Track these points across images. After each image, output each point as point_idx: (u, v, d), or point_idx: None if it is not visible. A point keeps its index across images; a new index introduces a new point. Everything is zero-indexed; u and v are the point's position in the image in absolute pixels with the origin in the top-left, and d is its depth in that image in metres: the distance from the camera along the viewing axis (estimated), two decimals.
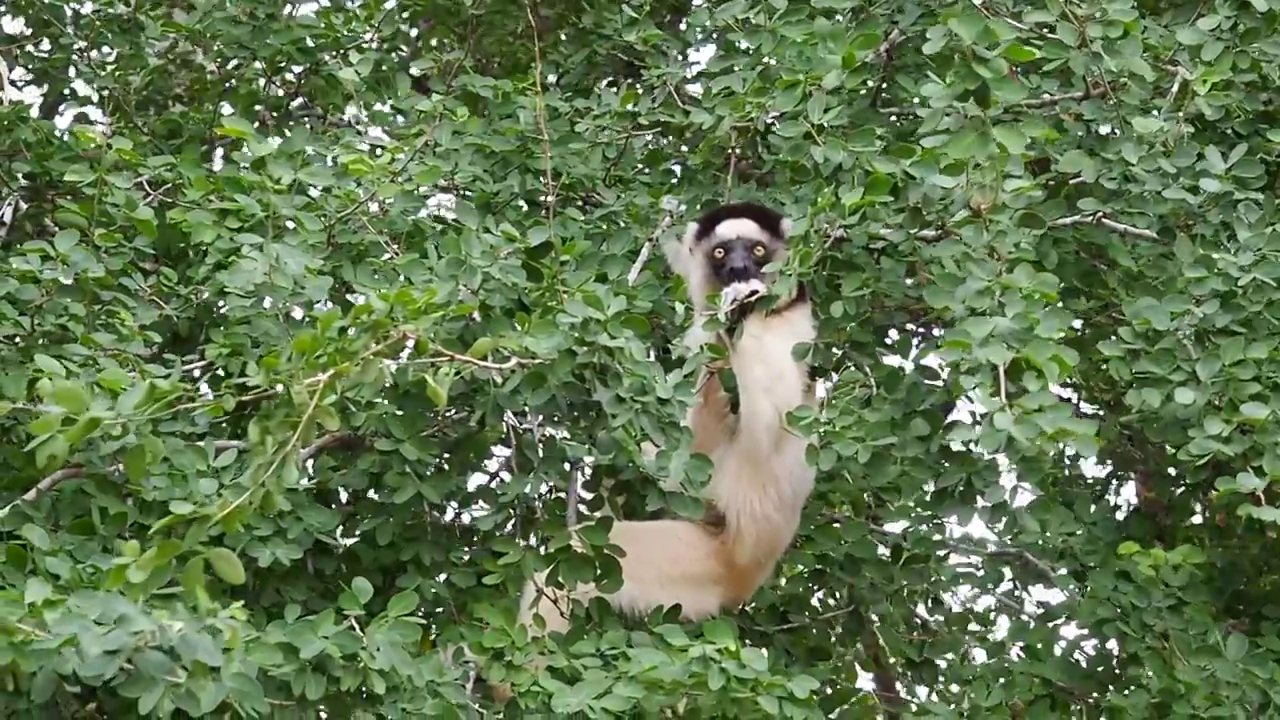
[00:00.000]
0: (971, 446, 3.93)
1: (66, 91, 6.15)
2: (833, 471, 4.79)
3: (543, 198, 4.85)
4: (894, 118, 4.91)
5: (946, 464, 4.01)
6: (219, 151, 5.84)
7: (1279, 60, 4.49)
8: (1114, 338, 4.16)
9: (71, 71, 5.90)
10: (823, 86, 4.34)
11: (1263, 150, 4.41)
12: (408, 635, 3.52)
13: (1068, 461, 5.84)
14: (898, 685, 5.70)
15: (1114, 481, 5.86)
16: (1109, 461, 5.59)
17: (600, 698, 3.61)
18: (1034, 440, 3.48)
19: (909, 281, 4.34)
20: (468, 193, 4.90)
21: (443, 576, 4.25)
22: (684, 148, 5.30)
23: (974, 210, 3.91)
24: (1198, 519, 5.41)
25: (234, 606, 3.01)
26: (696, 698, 3.62)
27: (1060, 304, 3.72)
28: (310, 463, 4.22)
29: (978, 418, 4.14)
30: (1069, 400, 5.69)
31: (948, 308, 3.78)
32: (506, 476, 4.19)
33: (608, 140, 5.01)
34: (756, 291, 4.29)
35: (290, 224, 4.39)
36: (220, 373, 4.31)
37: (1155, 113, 4.43)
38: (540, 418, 4.08)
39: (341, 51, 5.37)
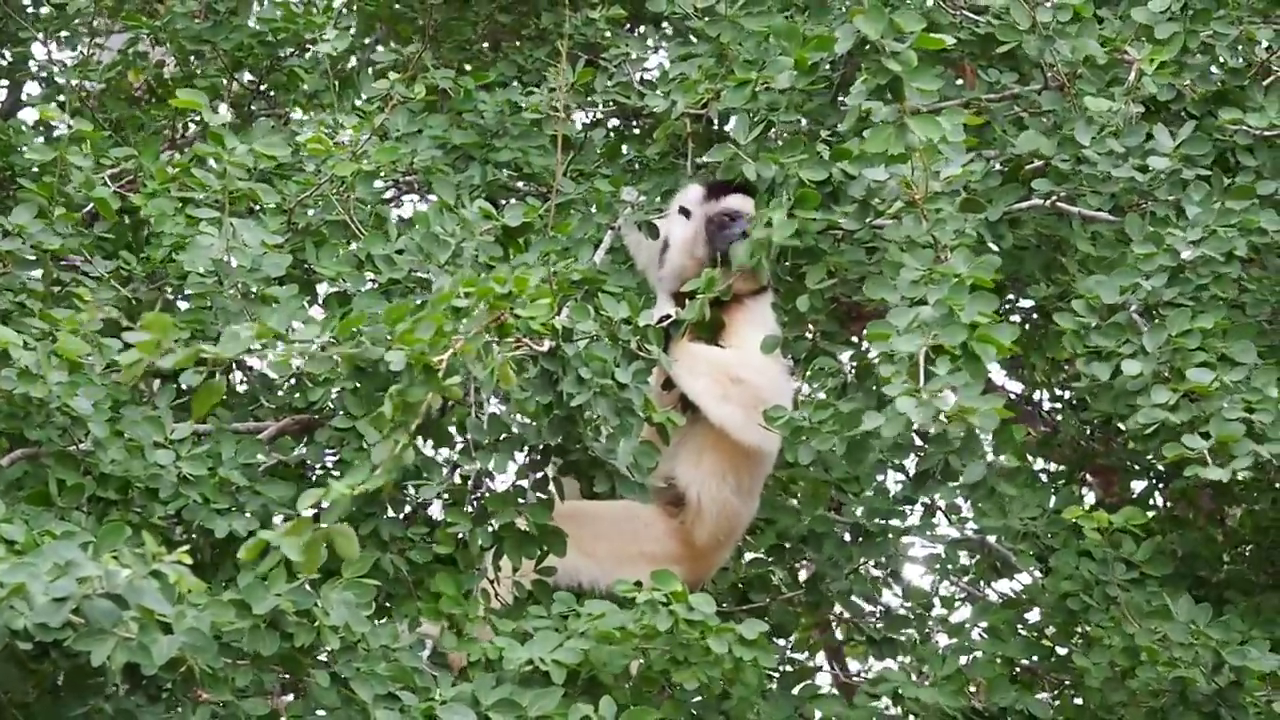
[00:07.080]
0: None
1: (24, 96, 6.19)
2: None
3: (506, 194, 4.88)
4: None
5: (925, 447, 4.03)
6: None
7: (1229, 41, 4.53)
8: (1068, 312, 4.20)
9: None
10: (773, 87, 4.39)
11: (1215, 130, 4.44)
12: (361, 596, 3.50)
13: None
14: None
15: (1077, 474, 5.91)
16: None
17: (553, 652, 3.61)
18: (932, 420, 3.51)
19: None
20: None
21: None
22: (636, 130, 5.32)
23: (909, 201, 3.96)
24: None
25: (179, 551, 2.99)
26: (649, 651, 3.62)
27: (994, 287, 3.71)
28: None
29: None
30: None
31: (884, 299, 3.81)
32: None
33: (561, 115, 5.02)
34: (669, 316, 4.37)
35: (249, 202, 4.39)
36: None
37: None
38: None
39: (308, 39, 5.38)
